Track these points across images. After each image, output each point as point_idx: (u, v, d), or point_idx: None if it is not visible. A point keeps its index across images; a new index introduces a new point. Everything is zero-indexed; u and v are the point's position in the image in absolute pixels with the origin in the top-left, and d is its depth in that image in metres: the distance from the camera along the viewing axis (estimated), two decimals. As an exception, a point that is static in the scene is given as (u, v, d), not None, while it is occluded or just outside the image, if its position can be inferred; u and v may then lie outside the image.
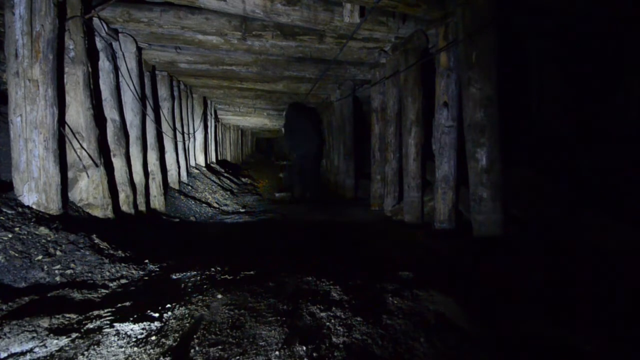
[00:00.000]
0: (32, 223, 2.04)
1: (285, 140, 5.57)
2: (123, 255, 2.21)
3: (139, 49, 3.83)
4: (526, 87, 4.30)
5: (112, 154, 3.24)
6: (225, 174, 7.79)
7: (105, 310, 1.50)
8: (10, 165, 2.29)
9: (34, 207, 2.24)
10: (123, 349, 1.22)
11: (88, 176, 2.72)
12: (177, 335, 1.31)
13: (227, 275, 1.93)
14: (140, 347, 1.23)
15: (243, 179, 8.40)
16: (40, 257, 1.85)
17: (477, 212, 2.80)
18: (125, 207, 3.33)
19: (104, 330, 1.32)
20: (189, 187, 5.36)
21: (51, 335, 1.28)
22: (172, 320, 1.42)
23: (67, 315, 1.43)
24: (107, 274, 1.94)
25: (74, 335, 1.29)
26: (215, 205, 5.10)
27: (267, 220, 4.23)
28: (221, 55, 4.27)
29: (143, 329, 1.35)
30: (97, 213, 2.77)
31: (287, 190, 6.85)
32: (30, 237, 1.93)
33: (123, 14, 3.12)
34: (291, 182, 5.21)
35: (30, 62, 2.22)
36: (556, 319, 1.50)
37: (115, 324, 1.36)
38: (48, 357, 1.17)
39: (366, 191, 5.65)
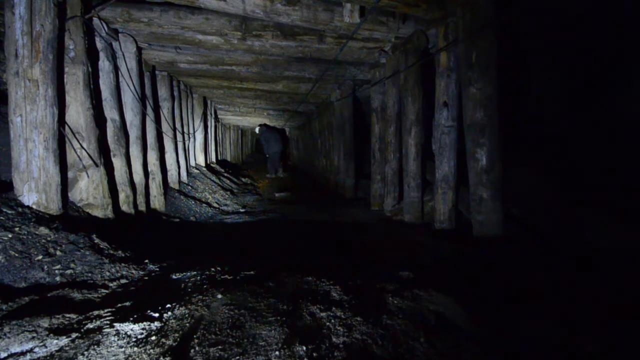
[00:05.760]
0: (32, 223, 2.04)
1: (263, 145, 9.80)
2: (123, 255, 2.21)
3: (139, 49, 3.83)
4: (526, 86, 4.30)
5: (112, 154, 3.24)
6: (225, 174, 7.79)
7: (105, 310, 1.50)
8: (10, 165, 2.29)
9: (34, 207, 2.24)
10: (123, 349, 1.22)
11: (88, 176, 2.72)
12: (177, 335, 1.31)
13: (227, 275, 1.93)
14: (140, 347, 1.23)
15: (243, 179, 8.40)
16: (40, 257, 1.85)
17: (477, 212, 2.80)
18: (125, 207, 3.33)
19: (104, 330, 1.32)
20: (189, 187, 5.36)
21: (51, 335, 1.28)
22: (172, 320, 1.41)
23: (67, 315, 1.43)
24: (107, 274, 1.94)
25: (74, 335, 1.29)
26: (215, 205, 5.10)
27: (267, 220, 4.23)
28: (221, 55, 4.27)
29: (143, 329, 1.35)
30: (97, 213, 2.77)
31: (286, 191, 6.91)
32: (30, 237, 1.93)
33: (123, 14, 3.12)
34: (270, 167, 9.69)
35: (30, 62, 2.22)
36: (556, 319, 1.50)
37: (115, 324, 1.36)
38: (48, 357, 1.17)
39: (366, 191, 5.65)
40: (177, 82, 5.57)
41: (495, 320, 1.49)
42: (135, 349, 1.22)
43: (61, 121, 2.47)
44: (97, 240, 2.20)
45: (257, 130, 10.09)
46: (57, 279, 1.79)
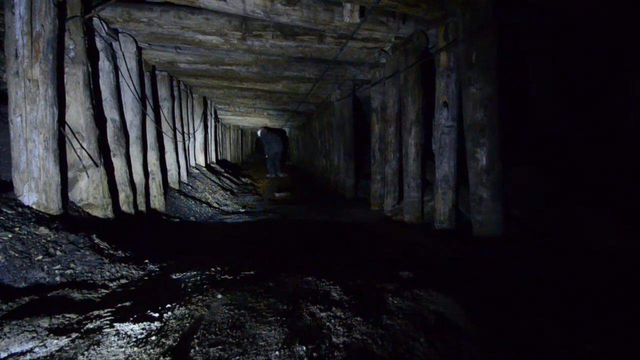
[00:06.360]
0: (32, 223, 2.04)
1: (264, 147, 10.08)
2: (123, 255, 2.21)
3: (139, 49, 3.83)
4: (526, 86, 4.30)
5: (112, 154, 3.24)
6: (225, 174, 7.79)
7: (105, 310, 1.50)
8: (10, 165, 2.29)
9: (34, 207, 2.24)
10: (123, 349, 1.22)
11: (88, 176, 2.72)
12: (177, 335, 1.31)
13: (227, 275, 1.93)
14: (140, 347, 1.23)
15: (243, 179, 8.40)
16: (40, 257, 1.85)
17: (477, 212, 2.80)
18: (125, 207, 3.33)
19: (104, 330, 1.32)
20: (189, 187, 5.36)
21: (51, 335, 1.28)
22: (172, 320, 1.42)
23: (67, 315, 1.43)
24: (107, 274, 1.94)
25: (74, 335, 1.29)
26: (215, 205, 5.10)
27: (267, 220, 4.23)
28: (221, 55, 4.27)
29: (143, 329, 1.35)
30: (97, 213, 2.77)
31: (286, 191, 6.91)
32: (30, 237, 1.93)
33: (123, 14, 3.12)
34: (270, 167, 9.99)
35: (30, 62, 2.22)
36: (556, 319, 1.50)
37: (115, 324, 1.36)
38: (48, 357, 1.17)
39: (366, 191, 5.65)
40: (177, 82, 5.57)
41: (495, 320, 1.49)
42: (135, 349, 1.22)
43: (61, 121, 2.47)
44: (97, 240, 2.20)
45: (259, 133, 10.53)
46: (57, 279, 1.79)
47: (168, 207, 4.27)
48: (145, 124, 4.01)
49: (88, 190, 2.74)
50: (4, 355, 1.18)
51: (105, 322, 1.39)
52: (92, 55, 2.91)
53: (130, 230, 2.97)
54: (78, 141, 2.68)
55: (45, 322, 1.35)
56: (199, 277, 1.92)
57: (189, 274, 1.99)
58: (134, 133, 3.67)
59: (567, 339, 1.36)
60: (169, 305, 1.54)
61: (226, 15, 3.31)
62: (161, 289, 1.80)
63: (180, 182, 5.18)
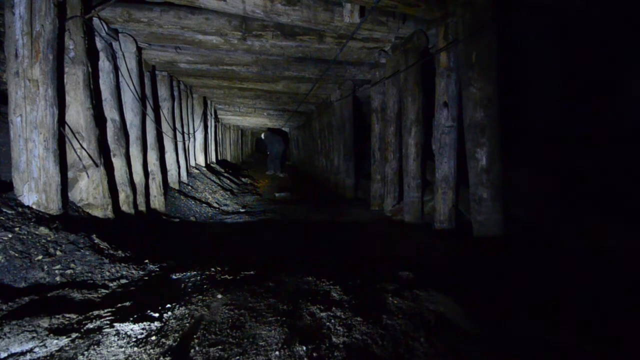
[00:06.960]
0: (32, 223, 2.04)
1: (267, 146, 11.02)
2: (123, 255, 2.21)
3: (139, 49, 3.83)
4: (526, 86, 4.29)
5: (112, 154, 3.24)
6: (225, 174, 7.79)
7: (105, 310, 1.50)
8: (10, 165, 2.29)
9: (34, 207, 2.24)
10: (123, 349, 1.22)
11: (88, 176, 2.72)
12: (177, 335, 1.31)
13: (227, 275, 1.93)
14: (140, 347, 1.23)
15: (243, 179, 8.40)
16: (40, 257, 1.85)
17: (477, 212, 2.80)
18: (125, 207, 3.33)
19: (104, 330, 1.32)
20: (189, 187, 5.36)
21: (51, 335, 1.28)
22: (172, 320, 1.42)
23: (67, 315, 1.43)
24: (107, 274, 1.94)
25: (74, 335, 1.29)
26: (215, 205, 5.10)
27: (267, 220, 4.23)
28: (221, 55, 4.27)
29: (143, 329, 1.35)
30: (97, 213, 2.77)
31: (286, 191, 6.91)
32: (30, 237, 1.93)
33: (123, 14, 3.12)
34: (270, 164, 10.77)
35: (30, 62, 2.22)
36: (556, 319, 1.50)
37: (115, 324, 1.36)
38: (48, 357, 1.17)
39: (366, 191, 5.65)
40: (177, 82, 5.57)
41: (495, 320, 1.49)
42: (135, 349, 1.22)
43: (61, 121, 2.47)
44: (97, 240, 2.20)
45: (262, 136, 11.70)
46: (57, 279, 1.79)
47: (168, 207, 4.27)
48: (145, 124, 4.01)
49: (88, 190, 2.74)
50: (4, 355, 1.18)
51: (105, 322, 1.39)
52: (92, 55, 2.91)
53: (130, 230, 2.97)
54: (78, 141, 2.68)
55: (45, 322, 1.35)
56: (199, 277, 1.92)
57: (189, 274, 1.99)
58: (134, 133, 3.67)
59: (567, 339, 1.36)
60: (169, 305, 1.54)
61: (226, 15, 3.31)
62: (161, 289, 1.80)
63: (180, 182, 5.18)
